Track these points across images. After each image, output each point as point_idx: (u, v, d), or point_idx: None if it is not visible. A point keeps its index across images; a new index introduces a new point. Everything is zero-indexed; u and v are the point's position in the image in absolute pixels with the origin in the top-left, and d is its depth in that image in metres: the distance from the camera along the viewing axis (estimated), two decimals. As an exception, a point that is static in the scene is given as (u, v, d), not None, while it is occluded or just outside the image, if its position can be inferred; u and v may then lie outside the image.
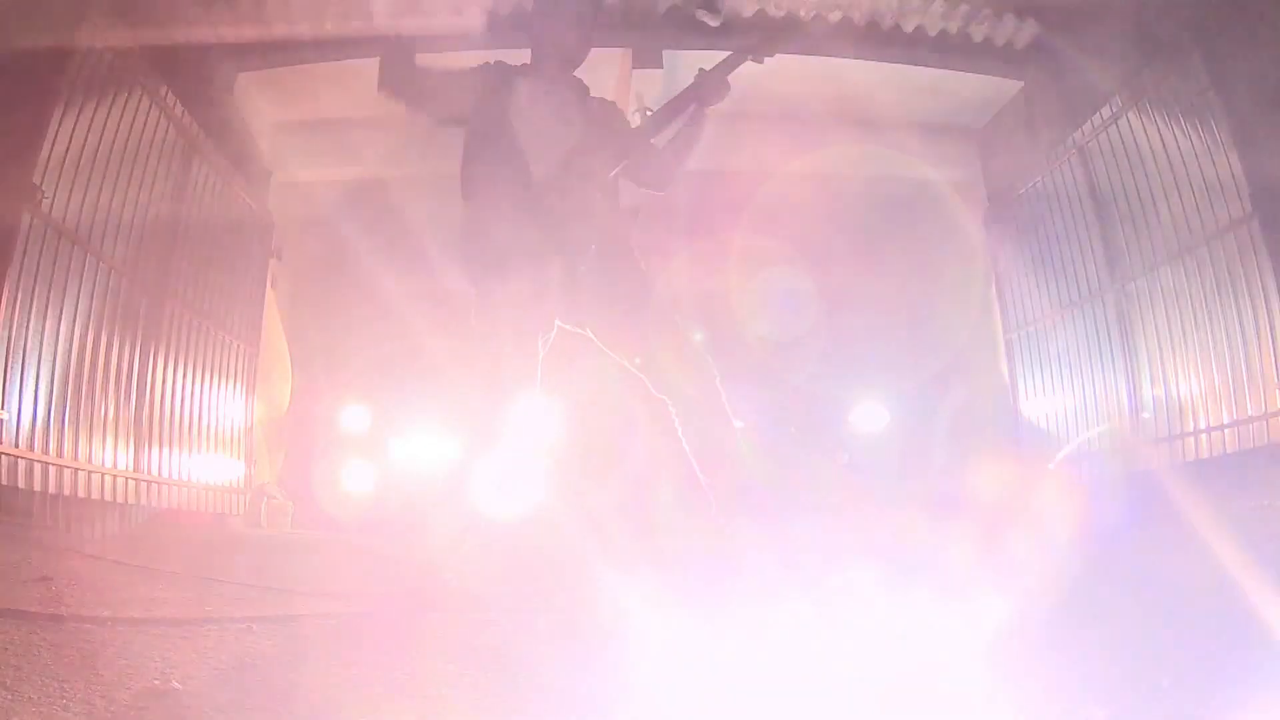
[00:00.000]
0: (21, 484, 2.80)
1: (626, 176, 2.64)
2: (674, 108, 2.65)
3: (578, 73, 2.64)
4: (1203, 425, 3.54)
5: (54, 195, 2.98)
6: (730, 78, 2.65)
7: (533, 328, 2.44)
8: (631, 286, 2.48)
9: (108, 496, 3.35)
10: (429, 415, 5.37)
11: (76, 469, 3.14)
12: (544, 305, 2.45)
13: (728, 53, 2.73)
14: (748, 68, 4.74)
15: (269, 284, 5.08)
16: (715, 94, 2.61)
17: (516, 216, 2.38)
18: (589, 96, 2.63)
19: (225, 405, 4.54)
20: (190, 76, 3.97)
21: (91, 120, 3.18)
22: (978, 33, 4.49)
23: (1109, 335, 4.21)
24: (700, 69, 2.63)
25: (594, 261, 2.45)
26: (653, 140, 2.67)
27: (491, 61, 2.56)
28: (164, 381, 3.92)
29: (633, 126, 2.70)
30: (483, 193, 2.44)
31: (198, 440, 4.23)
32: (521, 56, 2.65)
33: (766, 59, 2.64)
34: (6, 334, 2.78)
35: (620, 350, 2.50)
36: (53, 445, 3.01)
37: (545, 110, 2.48)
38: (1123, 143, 4.00)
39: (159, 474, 3.82)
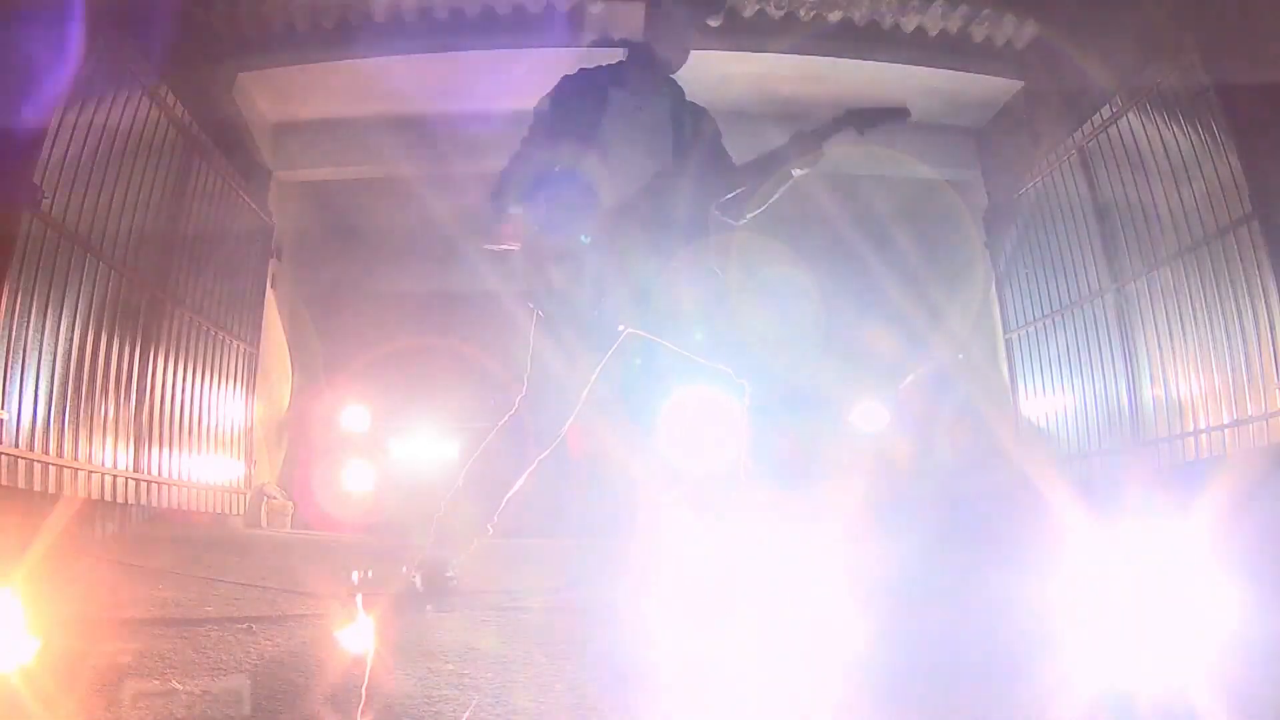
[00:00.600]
0: (21, 484, 2.80)
1: (708, 195, 2.59)
2: (764, 166, 2.60)
3: None
4: (1203, 425, 3.54)
5: (54, 195, 2.98)
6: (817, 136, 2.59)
7: (592, 343, 2.38)
8: (706, 294, 2.45)
9: (108, 496, 3.35)
10: (428, 415, 5.38)
11: (76, 469, 3.14)
12: (607, 317, 2.39)
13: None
14: (747, 65, 4.73)
15: (269, 284, 5.08)
16: (808, 159, 2.57)
17: (594, 227, 2.34)
18: (685, 102, 2.54)
19: (225, 405, 4.54)
20: (190, 76, 3.97)
21: (91, 120, 3.18)
22: (978, 33, 4.49)
23: (1109, 335, 4.21)
24: (799, 131, 2.57)
25: (672, 272, 2.41)
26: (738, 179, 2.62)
27: (574, 71, 2.49)
28: (164, 381, 3.92)
29: (723, 144, 2.64)
30: (559, 206, 2.40)
31: (198, 440, 4.23)
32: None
33: (868, 131, 2.58)
34: (6, 334, 2.78)
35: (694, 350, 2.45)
36: (53, 445, 3.01)
37: (638, 120, 2.41)
38: (1123, 143, 3.99)
39: (159, 474, 3.82)
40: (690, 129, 2.52)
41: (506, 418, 2.42)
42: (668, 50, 2.45)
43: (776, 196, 2.58)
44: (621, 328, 2.38)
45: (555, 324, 2.38)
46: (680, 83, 2.57)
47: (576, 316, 2.36)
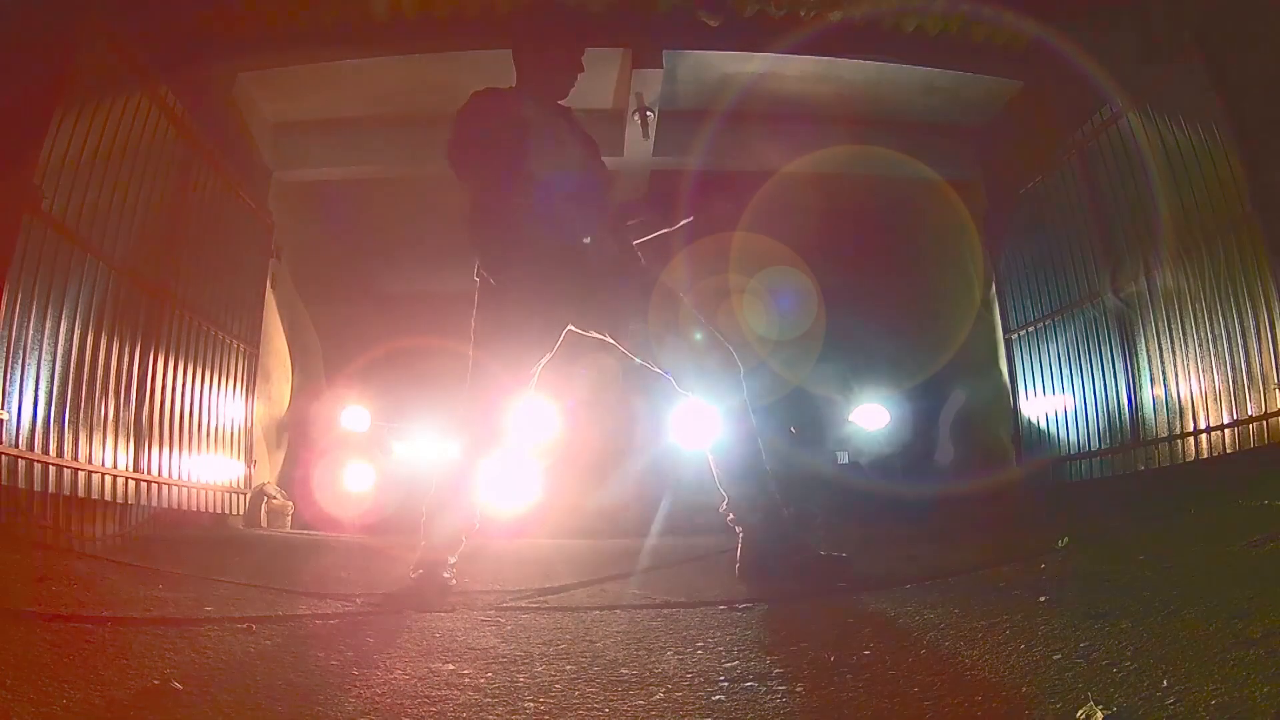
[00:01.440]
0: (21, 484, 2.80)
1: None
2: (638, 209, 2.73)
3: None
4: (1203, 425, 3.54)
5: (54, 195, 2.98)
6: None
7: (536, 337, 2.45)
8: (639, 287, 2.49)
9: (108, 496, 3.35)
10: (428, 415, 5.38)
11: (76, 469, 3.14)
12: (550, 310, 2.45)
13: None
14: (747, 65, 4.73)
15: (269, 284, 5.08)
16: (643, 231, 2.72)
17: (523, 225, 2.40)
18: (574, 113, 2.71)
19: (225, 405, 4.54)
20: (190, 76, 3.97)
21: (91, 120, 3.17)
22: (978, 33, 4.49)
23: (1109, 336, 4.22)
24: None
25: (602, 264, 2.46)
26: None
27: (481, 89, 2.57)
28: (164, 381, 3.92)
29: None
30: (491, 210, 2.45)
31: (198, 440, 4.23)
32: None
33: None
34: (6, 334, 2.78)
35: (633, 350, 2.50)
36: (53, 445, 3.01)
37: (543, 123, 2.51)
38: (1123, 143, 4.00)
39: (159, 474, 3.82)
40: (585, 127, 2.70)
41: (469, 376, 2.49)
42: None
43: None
44: (569, 326, 2.48)
45: (507, 296, 2.43)
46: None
47: (530, 299, 2.42)
